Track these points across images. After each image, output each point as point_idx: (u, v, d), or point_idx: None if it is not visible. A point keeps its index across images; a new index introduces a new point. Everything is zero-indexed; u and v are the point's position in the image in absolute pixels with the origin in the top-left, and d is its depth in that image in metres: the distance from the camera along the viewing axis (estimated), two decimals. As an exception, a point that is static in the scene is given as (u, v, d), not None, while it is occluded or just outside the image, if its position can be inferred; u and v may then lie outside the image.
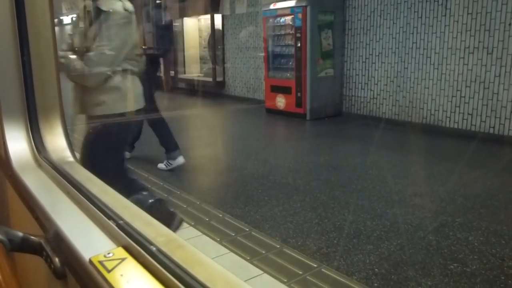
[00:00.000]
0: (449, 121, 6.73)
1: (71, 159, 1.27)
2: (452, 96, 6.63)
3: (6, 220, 1.54)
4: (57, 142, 1.30)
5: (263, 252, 2.99)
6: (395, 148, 5.95)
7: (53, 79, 1.33)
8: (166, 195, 4.10)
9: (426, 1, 6.76)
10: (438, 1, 6.62)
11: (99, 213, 0.82)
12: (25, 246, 0.85)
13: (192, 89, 12.52)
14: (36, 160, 1.25)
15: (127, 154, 5.37)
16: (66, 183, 1.02)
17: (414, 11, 6.94)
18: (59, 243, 0.81)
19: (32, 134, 1.30)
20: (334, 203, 3.89)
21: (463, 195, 4.09)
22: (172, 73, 5.24)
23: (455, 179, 4.60)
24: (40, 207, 0.96)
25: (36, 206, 0.99)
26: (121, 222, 0.75)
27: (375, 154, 5.60)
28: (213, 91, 11.53)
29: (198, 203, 3.91)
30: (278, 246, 3.08)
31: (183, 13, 12.29)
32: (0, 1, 1.25)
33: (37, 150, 1.27)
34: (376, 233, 3.31)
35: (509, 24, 5.88)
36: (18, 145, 1.28)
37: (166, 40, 5.29)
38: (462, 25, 6.38)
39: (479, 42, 6.22)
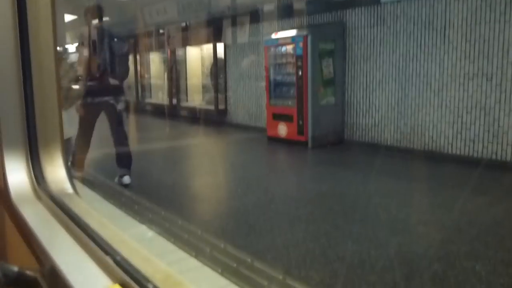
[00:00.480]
0: (451, 147, 6.71)
1: (71, 191, 1.27)
2: (453, 123, 6.63)
3: (3, 252, 1.52)
4: (57, 173, 1.29)
5: (266, 283, 2.93)
6: (398, 175, 5.92)
7: (54, 110, 1.34)
8: (167, 225, 4.06)
9: (425, 29, 6.85)
10: (436, 29, 6.70)
11: (97, 247, 0.80)
12: (20, 281, 0.83)
13: (195, 117, 12.58)
14: (35, 191, 1.24)
15: (127, 179, 5.32)
16: (65, 216, 1.01)
17: (413, 39, 7.02)
18: (55, 279, 0.79)
19: (32, 165, 1.30)
20: (337, 232, 3.84)
21: (468, 222, 4.04)
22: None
23: (459, 206, 4.55)
24: (37, 241, 0.94)
25: (33, 239, 0.97)
26: (118, 258, 0.74)
27: (378, 181, 5.57)
28: (215, 119, 11.58)
29: (199, 233, 3.87)
30: (280, 277, 3.03)
31: (186, 42, 12.48)
32: (5, 32, 1.26)
33: (37, 182, 1.26)
34: (380, 262, 3.25)
35: (507, 51, 5.94)
36: (17, 176, 1.28)
37: (121, 68, 5.56)
38: (461, 52, 6.44)
39: (478, 68, 6.26)
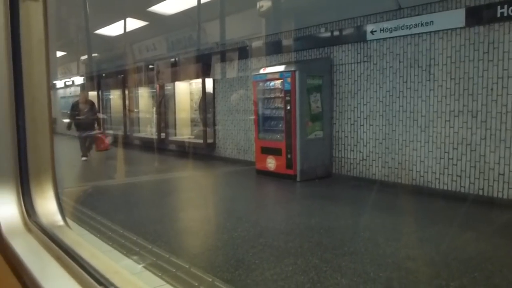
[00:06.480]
0: (439, 182, 6.78)
1: (62, 223, 1.26)
2: (440, 158, 6.72)
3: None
4: (48, 205, 1.29)
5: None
6: (386, 210, 5.94)
7: (46, 142, 1.35)
8: (154, 259, 4.00)
9: (411, 67, 7.03)
10: (421, 67, 6.88)
11: (90, 279, 0.80)
12: None
13: (183, 151, 12.58)
14: (26, 224, 1.24)
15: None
16: (56, 248, 1.01)
17: (400, 76, 7.20)
18: (47, 312, 0.78)
19: (23, 197, 1.29)
20: (326, 267, 3.81)
21: (456, 258, 4.05)
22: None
23: (447, 241, 4.57)
24: (28, 273, 0.93)
25: (24, 273, 0.96)
26: (112, 288, 0.74)
27: (366, 216, 5.58)
28: (204, 152, 11.59)
29: (187, 266, 3.81)
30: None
31: (175, 77, 12.60)
32: (-1, 67, 1.28)
33: (28, 214, 1.25)
34: (370, 298, 3.23)
35: (491, 89, 6.10)
36: (8, 209, 1.27)
37: None
38: (446, 90, 6.60)
39: (463, 105, 6.41)
